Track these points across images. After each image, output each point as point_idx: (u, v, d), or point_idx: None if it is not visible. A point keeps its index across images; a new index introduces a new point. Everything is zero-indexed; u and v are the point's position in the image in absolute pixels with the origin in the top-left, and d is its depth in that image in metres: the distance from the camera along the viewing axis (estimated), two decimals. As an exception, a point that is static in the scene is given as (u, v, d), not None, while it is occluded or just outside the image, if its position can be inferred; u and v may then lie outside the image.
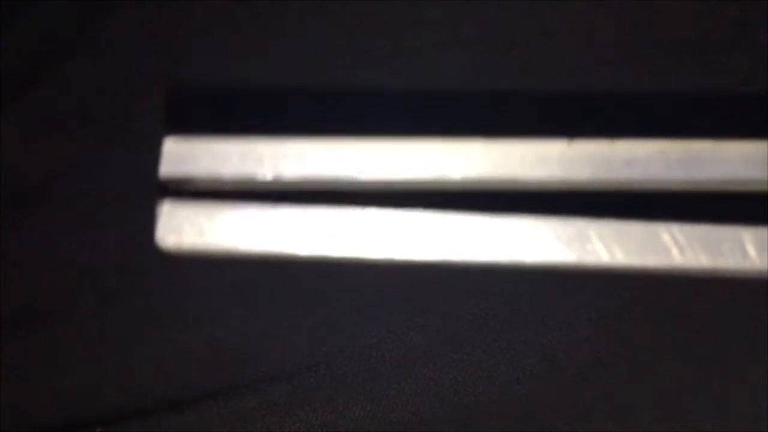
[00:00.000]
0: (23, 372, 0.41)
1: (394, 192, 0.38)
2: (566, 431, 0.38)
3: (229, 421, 0.39)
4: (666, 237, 0.36)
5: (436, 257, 0.37)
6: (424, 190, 0.38)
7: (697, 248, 0.36)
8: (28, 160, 0.43)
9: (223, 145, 0.38)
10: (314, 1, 0.43)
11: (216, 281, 0.41)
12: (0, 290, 0.42)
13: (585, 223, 0.37)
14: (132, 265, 0.41)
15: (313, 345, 0.40)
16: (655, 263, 0.36)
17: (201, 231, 0.38)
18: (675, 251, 0.36)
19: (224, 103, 0.43)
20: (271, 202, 0.38)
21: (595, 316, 0.39)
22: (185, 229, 0.38)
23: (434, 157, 0.38)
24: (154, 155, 0.38)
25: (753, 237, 0.36)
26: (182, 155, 0.38)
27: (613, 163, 0.37)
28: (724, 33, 0.41)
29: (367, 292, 0.40)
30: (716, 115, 0.41)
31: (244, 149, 0.38)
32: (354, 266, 0.41)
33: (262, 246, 0.38)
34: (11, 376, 0.41)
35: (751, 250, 0.36)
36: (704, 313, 0.39)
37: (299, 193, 0.38)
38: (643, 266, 0.36)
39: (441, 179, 0.38)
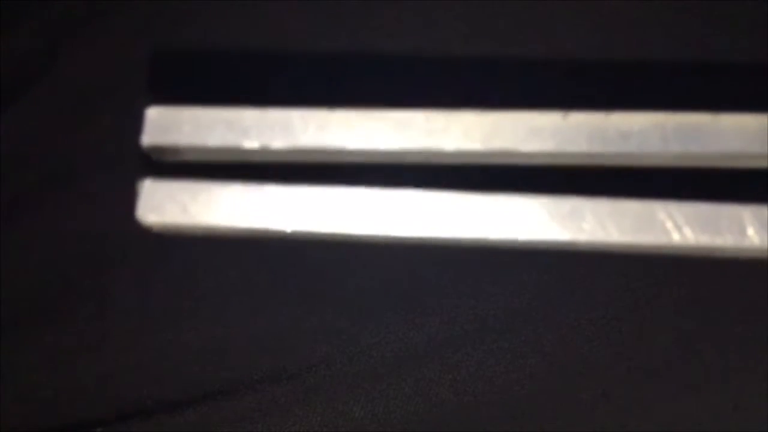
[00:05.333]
0: (23, 372, 0.41)
1: (384, 164, 0.38)
2: (566, 431, 0.38)
3: (229, 421, 0.39)
4: (662, 215, 0.36)
5: (429, 235, 0.37)
6: (415, 161, 0.38)
7: (695, 227, 0.35)
8: (29, 159, 0.43)
9: (208, 115, 0.38)
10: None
11: (216, 281, 0.41)
12: (0, 290, 0.42)
13: (580, 201, 0.36)
14: (133, 264, 0.41)
15: (313, 345, 0.40)
16: (651, 241, 0.36)
17: (183, 208, 0.37)
18: (671, 230, 0.36)
19: (209, 71, 0.43)
20: (255, 180, 0.38)
21: (595, 316, 0.39)
22: (167, 206, 0.37)
23: (426, 128, 0.37)
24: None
25: (752, 216, 0.35)
26: (166, 124, 0.38)
27: (609, 135, 0.37)
28: (724, 3, 0.41)
29: (367, 292, 0.40)
30: (715, 87, 0.41)
31: (229, 118, 0.38)
32: (354, 266, 0.41)
33: (245, 223, 0.37)
34: (11, 376, 0.41)
35: (750, 230, 0.35)
36: (704, 313, 0.39)
37: (286, 165, 0.38)
38: (638, 244, 0.36)
39: (433, 151, 0.37)
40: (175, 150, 0.38)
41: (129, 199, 0.41)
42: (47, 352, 0.41)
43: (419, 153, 0.37)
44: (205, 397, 0.40)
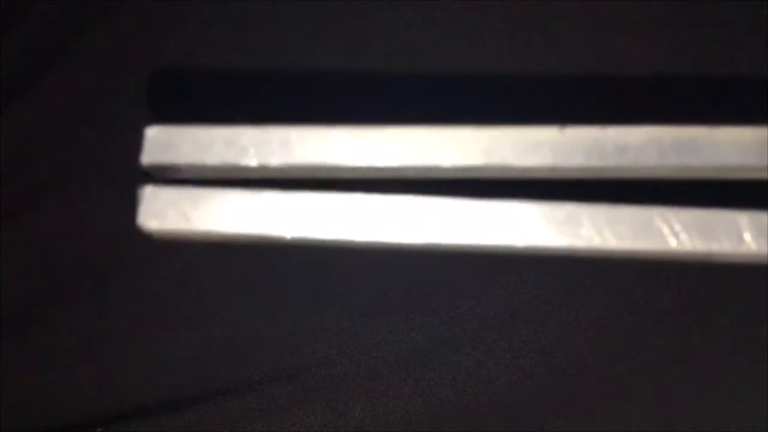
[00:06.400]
0: (23, 372, 0.41)
1: (382, 180, 0.38)
2: (566, 431, 0.38)
3: (229, 421, 0.39)
4: (659, 221, 0.36)
5: (426, 241, 0.37)
6: (413, 177, 0.38)
7: (692, 233, 0.35)
8: (28, 160, 0.43)
9: (207, 133, 0.38)
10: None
11: (216, 281, 0.41)
12: (0, 290, 0.42)
13: (577, 208, 0.36)
14: (132, 264, 0.41)
15: (313, 345, 0.40)
16: (648, 248, 0.36)
17: (184, 215, 0.38)
18: (668, 236, 0.35)
19: (208, 90, 0.43)
20: (256, 187, 0.38)
21: (595, 316, 0.39)
22: (167, 213, 0.38)
23: (423, 144, 0.37)
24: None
25: (749, 221, 0.35)
26: (165, 143, 0.38)
27: (606, 149, 0.36)
28: (722, 16, 0.41)
29: (367, 292, 0.40)
30: (712, 100, 0.41)
31: (228, 137, 0.38)
32: (354, 266, 0.41)
33: (245, 230, 0.37)
34: (11, 376, 0.41)
35: (747, 235, 0.35)
36: (704, 313, 0.39)
37: (285, 181, 0.38)
38: (635, 250, 0.36)
39: (430, 167, 0.37)
40: (174, 168, 0.38)
41: (128, 199, 0.41)
42: (47, 352, 0.41)
43: (417, 169, 0.38)
44: (205, 397, 0.40)
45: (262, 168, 0.38)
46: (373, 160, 0.38)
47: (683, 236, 0.35)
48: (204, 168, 0.38)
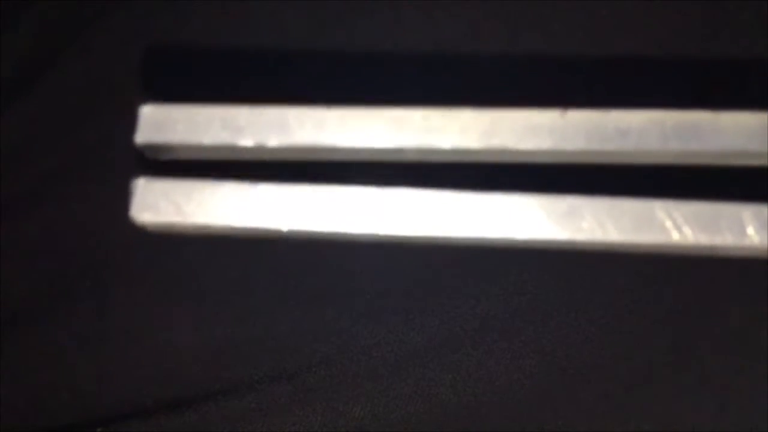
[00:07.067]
0: (23, 372, 0.41)
1: (380, 162, 0.38)
2: (566, 431, 0.38)
3: (229, 421, 0.39)
4: (661, 214, 0.35)
5: (425, 234, 0.37)
6: (412, 159, 0.38)
7: (694, 225, 0.35)
8: (28, 159, 0.43)
9: (203, 113, 0.38)
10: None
11: (216, 281, 0.41)
12: (0, 290, 0.42)
13: (578, 200, 0.36)
14: (132, 264, 0.41)
15: (313, 345, 0.40)
16: (650, 241, 0.35)
17: (177, 207, 0.37)
18: (671, 229, 0.35)
19: (205, 69, 0.43)
20: (250, 179, 0.37)
21: (595, 315, 0.39)
22: (161, 205, 0.37)
23: (422, 126, 0.37)
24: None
25: (752, 215, 0.35)
26: (160, 122, 0.38)
27: (608, 133, 0.36)
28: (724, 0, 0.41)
29: (367, 292, 0.40)
30: (715, 84, 0.40)
31: (224, 116, 0.38)
32: (354, 266, 0.41)
33: (239, 222, 0.37)
34: (11, 376, 0.41)
35: (750, 229, 0.35)
36: (704, 313, 0.39)
37: (282, 164, 0.38)
38: (637, 244, 0.36)
39: (430, 149, 0.37)
40: (169, 148, 0.38)
41: (128, 199, 0.41)
42: (47, 352, 0.41)
43: (416, 151, 0.37)
44: (205, 397, 0.40)
45: (259, 149, 0.37)
46: (372, 142, 0.37)
47: (685, 229, 0.35)
48: (199, 148, 0.38)
